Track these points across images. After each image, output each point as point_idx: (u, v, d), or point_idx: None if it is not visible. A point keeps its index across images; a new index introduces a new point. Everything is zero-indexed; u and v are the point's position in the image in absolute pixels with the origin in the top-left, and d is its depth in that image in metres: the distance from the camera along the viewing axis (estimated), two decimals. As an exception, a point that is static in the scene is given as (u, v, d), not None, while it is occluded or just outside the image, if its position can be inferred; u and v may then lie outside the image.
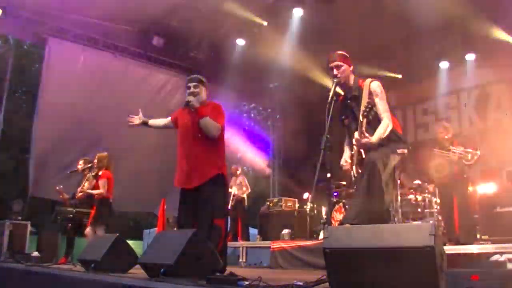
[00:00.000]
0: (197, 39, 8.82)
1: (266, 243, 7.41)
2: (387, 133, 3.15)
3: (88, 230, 6.14)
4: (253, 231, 9.85)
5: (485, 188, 6.45)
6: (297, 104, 10.02)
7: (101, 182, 6.21)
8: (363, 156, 3.24)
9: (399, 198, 6.25)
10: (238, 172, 8.77)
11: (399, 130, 3.34)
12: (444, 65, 8.39)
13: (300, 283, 2.53)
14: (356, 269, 2.23)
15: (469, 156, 5.65)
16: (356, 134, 3.16)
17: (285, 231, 7.44)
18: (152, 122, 4.27)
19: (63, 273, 3.84)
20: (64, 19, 7.94)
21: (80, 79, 8.17)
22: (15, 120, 13.51)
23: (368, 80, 3.31)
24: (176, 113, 4.10)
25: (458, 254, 4.76)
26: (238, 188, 8.52)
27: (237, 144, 9.81)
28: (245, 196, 8.63)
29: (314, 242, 6.56)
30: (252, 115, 18.10)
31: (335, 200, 7.55)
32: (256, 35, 8.25)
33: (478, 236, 5.69)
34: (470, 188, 6.19)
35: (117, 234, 4.06)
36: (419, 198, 6.44)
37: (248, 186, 8.71)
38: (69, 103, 8.01)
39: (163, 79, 9.44)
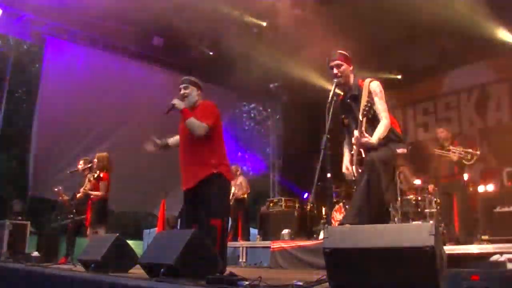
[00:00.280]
0: (197, 39, 8.81)
1: (266, 243, 7.41)
2: (386, 132, 3.15)
3: (88, 230, 6.15)
4: (253, 231, 9.84)
5: (485, 188, 6.46)
6: (297, 104, 10.01)
7: (102, 184, 6.23)
8: (363, 155, 3.24)
9: (399, 198, 6.27)
10: (238, 173, 8.76)
11: (398, 130, 3.34)
12: (444, 65, 8.39)
13: (300, 283, 2.53)
14: (356, 269, 2.23)
15: (469, 156, 5.66)
16: (356, 133, 3.16)
17: (285, 231, 7.44)
18: (171, 141, 4.08)
19: (63, 273, 3.83)
20: (64, 19, 7.93)
21: (80, 79, 8.16)
22: (15, 120, 13.51)
23: (368, 79, 3.32)
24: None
25: (458, 254, 4.76)
26: (238, 189, 8.50)
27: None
28: (245, 196, 8.62)
29: (314, 242, 6.56)
30: (252, 115, 18.11)
31: (335, 200, 7.57)
32: (256, 35, 8.25)
33: (478, 236, 5.70)
34: (470, 188, 6.20)
35: (117, 234, 4.08)
36: (419, 198, 6.45)
37: (248, 187, 8.70)
38: (69, 103, 8.00)
39: (163, 79, 9.42)
